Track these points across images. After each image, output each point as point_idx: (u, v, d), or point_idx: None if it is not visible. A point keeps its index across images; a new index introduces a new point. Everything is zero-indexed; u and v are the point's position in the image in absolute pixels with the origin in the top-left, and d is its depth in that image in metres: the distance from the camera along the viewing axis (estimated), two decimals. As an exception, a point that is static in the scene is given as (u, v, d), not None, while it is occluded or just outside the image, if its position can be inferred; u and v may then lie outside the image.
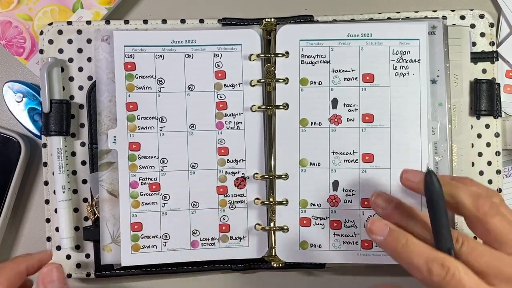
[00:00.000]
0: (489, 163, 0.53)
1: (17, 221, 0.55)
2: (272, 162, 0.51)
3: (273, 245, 0.51)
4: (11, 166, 0.53)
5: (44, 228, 0.53)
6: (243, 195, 0.52)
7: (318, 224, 0.52)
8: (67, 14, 0.54)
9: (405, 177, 0.45)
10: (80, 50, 0.52)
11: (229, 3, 0.56)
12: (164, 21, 0.53)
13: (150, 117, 0.51)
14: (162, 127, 0.51)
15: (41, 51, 0.52)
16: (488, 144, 0.53)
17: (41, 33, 0.52)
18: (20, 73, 0.56)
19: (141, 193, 0.51)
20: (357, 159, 0.52)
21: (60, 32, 0.52)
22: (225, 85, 0.52)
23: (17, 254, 0.55)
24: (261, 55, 0.51)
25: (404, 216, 0.44)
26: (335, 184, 0.52)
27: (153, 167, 0.51)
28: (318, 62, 0.52)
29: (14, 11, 0.54)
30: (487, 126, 0.53)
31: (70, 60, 0.52)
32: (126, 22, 0.52)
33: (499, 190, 0.53)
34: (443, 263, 0.39)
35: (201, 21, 0.53)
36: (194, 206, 0.52)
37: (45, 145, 0.52)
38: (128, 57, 0.51)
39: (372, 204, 0.46)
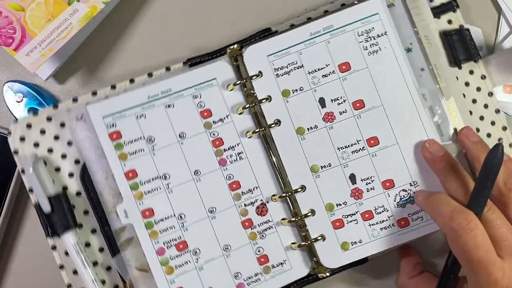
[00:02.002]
0: (486, 106, 0.54)
1: (17, 221, 0.54)
2: (286, 179, 0.51)
3: (314, 258, 0.51)
4: (11, 166, 0.52)
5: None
6: (269, 221, 0.51)
7: (351, 221, 0.52)
8: (62, 6, 0.51)
9: (425, 148, 0.50)
10: (56, 137, 0.49)
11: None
12: (132, 81, 0.51)
13: (153, 179, 0.49)
14: (168, 184, 0.49)
15: (16, 152, 0.49)
16: (478, 89, 0.54)
17: (9, 133, 0.49)
18: (20, 73, 0.56)
19: (171, 257, 0.49)
20: (363, 147, 0.52)
21: (29, 126, 0.49)
22: (214, 122, 0.50)
23: (17, 254, 0.55)
24: (237, 83, 0.50)
25: (448, 167, 0.48)
26: (352, 178, 0.52)
27: (173, 227, 0.49)
28: (292, 70, 0.52)
29: (5, 1, 0.51)
30: (471, 72, 0.54)
31: (50, 150, 0.49)
32: (94, 93, 0.50)
33: (504, 128, 0.54)
34: (466, 216, 0.43)
35: (168, 69, 0.51)
36: (227, 250, 0.50)
37: (54, 248, 0.48)
38: (111, 127, 0.49)
39: (423, 148, 0.50)
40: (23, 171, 0.48)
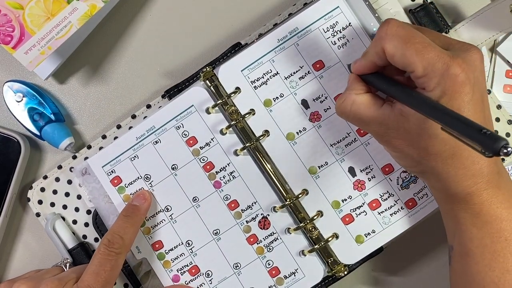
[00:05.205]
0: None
1: (17, 221, 0.56)
2: (287, 187, 0.51)
3: (330, 258, 0.51)
4: (11, 166, 0.53)
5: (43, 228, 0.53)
6: (273, 233, 0.52)
7: (360, 213, 0.52)
8: (61, 4, 0.51)
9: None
10: (67, 194, 0.54)
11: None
12: (118, 126, 0.54)
13: (156, 213, 0.52)
14: (171, 215, 0.52)
15: (38, 214, 0.54)
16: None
17: (28, 200, 0.54)
18: (20, 73, 0.56)
19: (186, 282, 0.52)
20: (355, 138, 0.51)
21: (42, 189, 0.54)
22: (201, 147, 0.52)
23: (17, 254, 0.56)
24: (216, 103, 0.52)
25: None
26: (351, 171, 0.52)
27: (183, 254, 0.52)
28: (268, 79, 0.52)
29: None
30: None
31: (64, 207, 0.54)
32: (89, 147, 0.54)
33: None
34: None
35: (148, 106, 0.54)
36: (237, 268, 0.52)
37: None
38: (110, 173, 0.53)
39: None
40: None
